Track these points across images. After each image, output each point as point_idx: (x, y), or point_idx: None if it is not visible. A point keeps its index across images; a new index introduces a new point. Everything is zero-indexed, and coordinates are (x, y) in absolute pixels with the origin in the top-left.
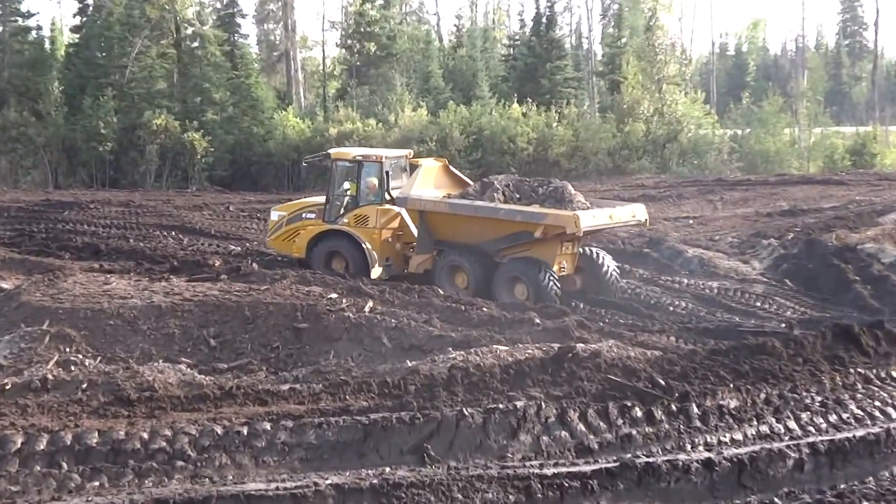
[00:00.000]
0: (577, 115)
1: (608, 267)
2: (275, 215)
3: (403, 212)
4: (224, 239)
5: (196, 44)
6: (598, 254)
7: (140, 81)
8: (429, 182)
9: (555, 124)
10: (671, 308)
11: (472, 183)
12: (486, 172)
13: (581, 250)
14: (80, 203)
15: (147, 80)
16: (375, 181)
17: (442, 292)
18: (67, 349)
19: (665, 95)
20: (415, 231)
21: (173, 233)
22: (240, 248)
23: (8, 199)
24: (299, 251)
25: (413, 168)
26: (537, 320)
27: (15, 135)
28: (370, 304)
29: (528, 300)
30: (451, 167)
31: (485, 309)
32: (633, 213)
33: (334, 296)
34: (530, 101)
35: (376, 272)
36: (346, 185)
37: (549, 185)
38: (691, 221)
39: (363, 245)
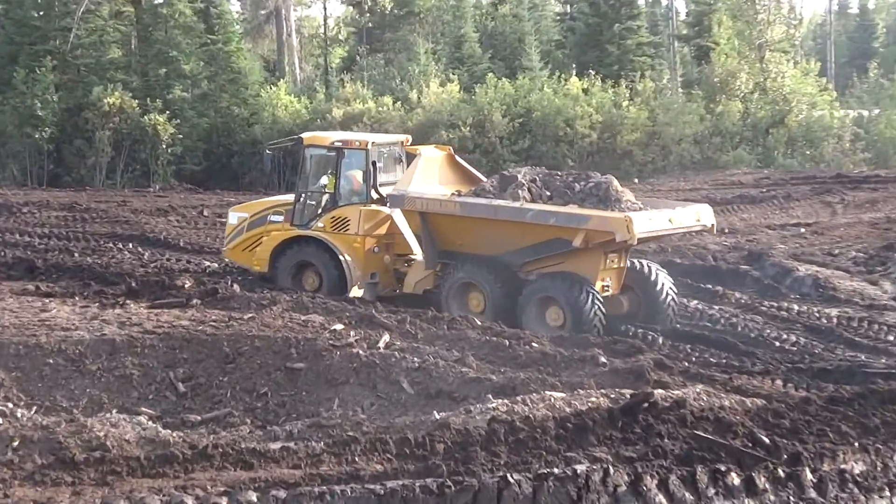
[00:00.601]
0: (655, 92)
1: (663, 285)
2: (233, 218)
3: (396, 214)
4: (196, 253)
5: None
6: (649, 268)
7: (88, 48)
8: (431, 176)
9: (625, 104)
10: (777, 343)
11: (484, 178)
12: (530, 166)
13: (629, 263)
14: (9, 206)
15: (97, 47)
16: (359, 175)
17: (479, 322)
18: None
19: (768, 66)
20: (410, 239)
21: (130, 245)
22: (216, 265)
23: None
24: (261, 264)
25: (411, 158)
26: (603, 359)
27: None
28: (386, 337)
29: (563, 327)
30: (457, 157)
31: (534, 344)
32: (698, 215)
33: (339, 327)
34: (593, 73)
35: (357, 292)
36: (323, 179)
37: (589, 180)
38: (803, 230)
39: (341, 256)
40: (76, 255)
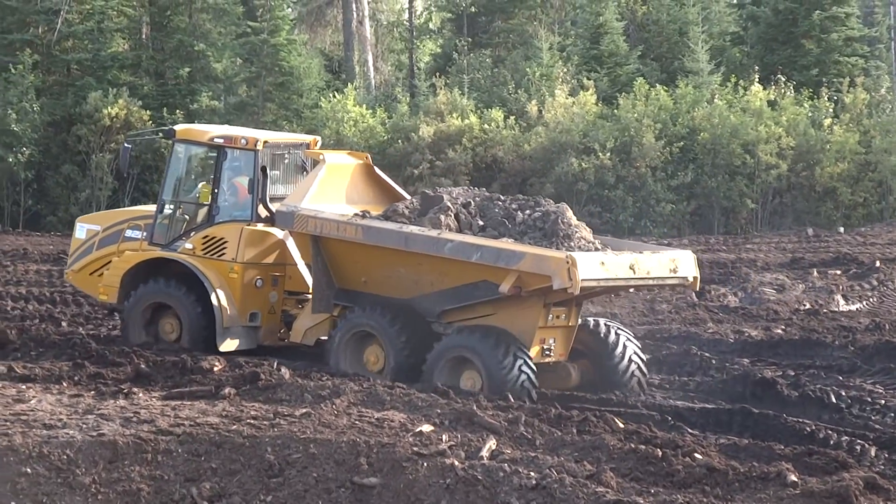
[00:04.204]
0: (869, 107)
1: (625, 350)
2: (80, 231)
3: (290, 240)
4: None
5: None
6: (608, 328)
7: (82, 39)
8: (335, 190)
9: (828, 122)
10: None
11: (407, 196)
12: (705, 207)
13: (581, 320)
14: None
15: (94, 37)
16: (245, 182)
17: (620, 425)
18: None
19: None
20: (307, 273)
21: None
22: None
23: None
24: (108, 292)
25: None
26: (792, 477)
27: None
28: (491, 443)
29: (480, 393)
30: (377, 169)
31: (697, 455)
32: (673, 264)
33: (428, 428)
34: (783, 79)
35: (229, 343)
36: (198, 186)
37: (536, 208)
38: None
39: (211, 291)
40: (64, 324)
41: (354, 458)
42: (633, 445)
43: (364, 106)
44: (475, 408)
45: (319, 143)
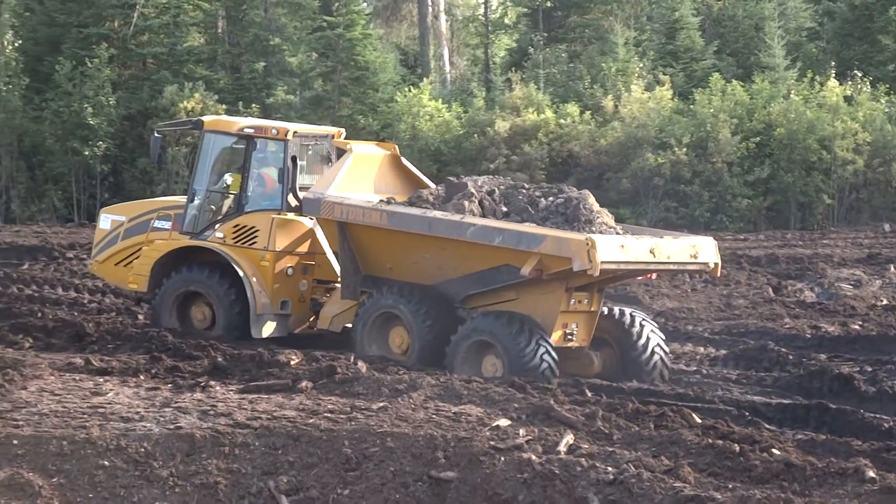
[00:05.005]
0: None
1: (648, 339)
2: (105, 221)
3: (319, 229)
4: None
5: None
6: (631, 317)
7: (158, 33)
8: (362, 179)
9: None
10: None
11: (432, 184)
12: (781, 203)
13: (605, 310)
14: (48, 249)
15: (170, 32)
16: (274, 173)
17: (698, 420)
18: None
19: None
20: (334, 261)
21: None
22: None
23: None
24: (138, 281)
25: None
26: (871, 473)
27: None
28: (569, 438)
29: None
30: (404, 159)
31: (775, 451)
32: (694, 250)
33: (505, 423)
34: (859, 75)
35: (264, 329)
36: (227, 177)
37: (559, 195)
38: None
39: (245, 279)
40: (140, 317)
41: (431, 451)
42: (710, 440)
43: (439, 100)
44: (552, 402)
45: (343, 135)
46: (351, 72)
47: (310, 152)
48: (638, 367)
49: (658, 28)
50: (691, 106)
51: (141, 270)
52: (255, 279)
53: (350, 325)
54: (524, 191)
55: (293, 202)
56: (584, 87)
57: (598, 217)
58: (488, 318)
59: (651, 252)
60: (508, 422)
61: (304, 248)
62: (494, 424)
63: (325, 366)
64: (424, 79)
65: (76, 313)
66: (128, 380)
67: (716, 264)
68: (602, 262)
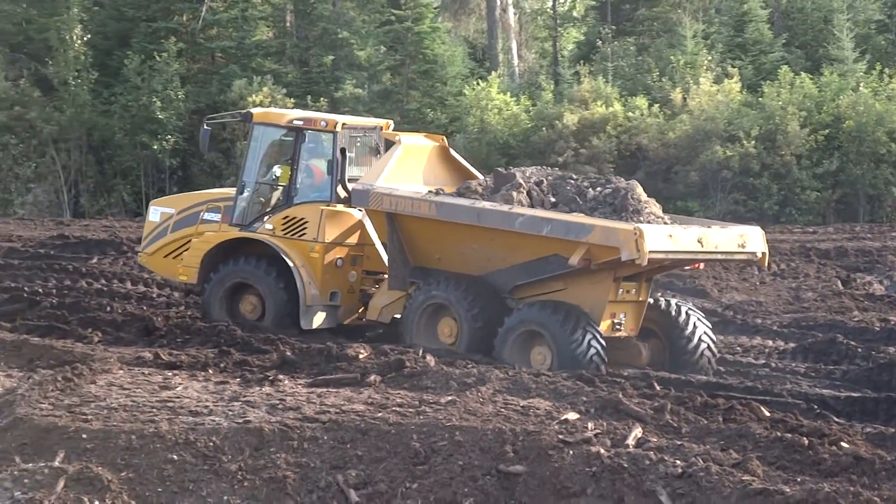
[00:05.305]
0: None
1: (696, 330)
2: (154, 214)
3: (367, 220)
4: None
5: None
6: (678, 308)
7: (226, 27)
8: (411, 170)
9: None
10: None
11: (480, 176)
12: (850, 195)
13: (653, 301)
14: (117, 243)
15: (238, 25)
16: (323, 165)
17: (767, 412)
18: (97, 503)
19: None
20: (382, 252)
21: None
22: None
23: None
24: (188, 273)
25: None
26: None
27: (5, 121)
28: (637, 431)
29: (550, 370)
30: (453, 151)
31: (844, 444)
32: (742, 239)
33: (573, 416)
34: None
35: (313, 319)
36: (276, 169)
37: (608, 184)
38: None
39: (295, 271)
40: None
41: (500, 445)
42: (779, 434)
43: (508, 94)
44: (621, 396)
45: (391, 126)
46: (419, 65)
47: (358, 144)
48: (685, 358)
49: (726, 21)
50: (760, 99)
51: (191, 262)
52: (304, 270)
53: (399, 316)
54: (572, 181)
55: (342, 194)
56: (652, 80)
57: (645, 207)
58: (537, 307)
59: (699, 241)
60: (577, 415)
61: (353, 239)
62: (563, 418)
63: (394, 360)
64: (493, 72)
65: (145, 307)
66: (196, 374)
67: (763, 254)
68: (650, 252)
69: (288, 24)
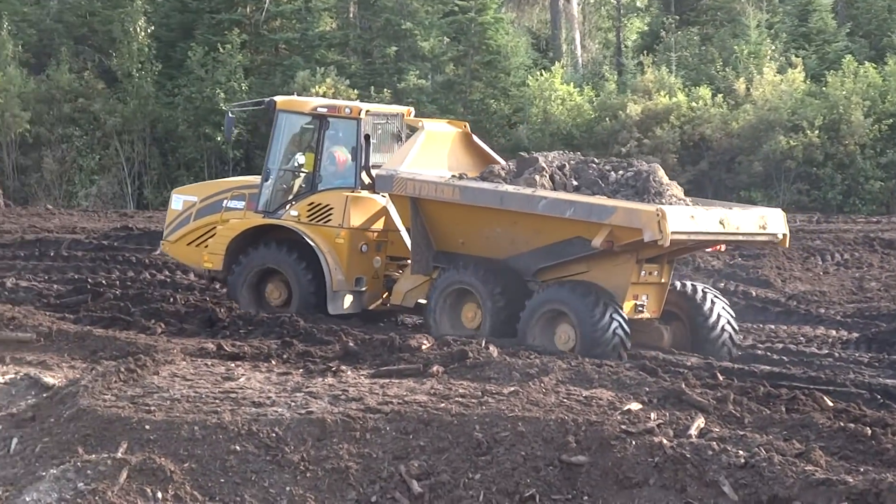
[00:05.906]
0: None
1: (717, 315)
2: (177, 202)
3: (391, 206)
4: None
5: None
6: (700, 291)
7: (290, 18)
8: (434, 156)
9: None
10: None
11: (503, 161)
12: None
13: (676, 284)
14: None
15: (302, 17)
16: (347, 151)
17: (830, 402)
18: (160, 494)
19: None
20: (407, 238)
21: None
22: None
23: (57, 227)
24: (214, 261)
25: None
26: None
27: (70, 113)
28: (700, 421)
29: (573, 351)
30: (475, 137)
31: None
32: (763, 221)
33: (636, 406)
34: None
35: (341, 303)
36: (300, 156)
37: (630, 168)
38: None
39: (321, 256)
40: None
41: (562, 436)
42: (841, 424)
43: (571, 84)
44: (683, 386)
45: (413, 113)
46: (483, 56)
47: (380, 131)
48: (706, 342)
49: (790, 10)
50: (824, 88)
51: (216, 249)
52: (330, 256)
53: (423, 301)
54: (594, 165)
55: (366, 180)
56: (715, 70)
57: (667, 189)
58: (562, 287)
59: (721, 223)
60: (640, 405)
61: (377, 225)
62: (625, 408)
63: (457, 350)
64: (556, 63)
65: (208, 298)
66: (259, 365)
67: (784, 235)
68: (672, 233)
69: (351, 16)
